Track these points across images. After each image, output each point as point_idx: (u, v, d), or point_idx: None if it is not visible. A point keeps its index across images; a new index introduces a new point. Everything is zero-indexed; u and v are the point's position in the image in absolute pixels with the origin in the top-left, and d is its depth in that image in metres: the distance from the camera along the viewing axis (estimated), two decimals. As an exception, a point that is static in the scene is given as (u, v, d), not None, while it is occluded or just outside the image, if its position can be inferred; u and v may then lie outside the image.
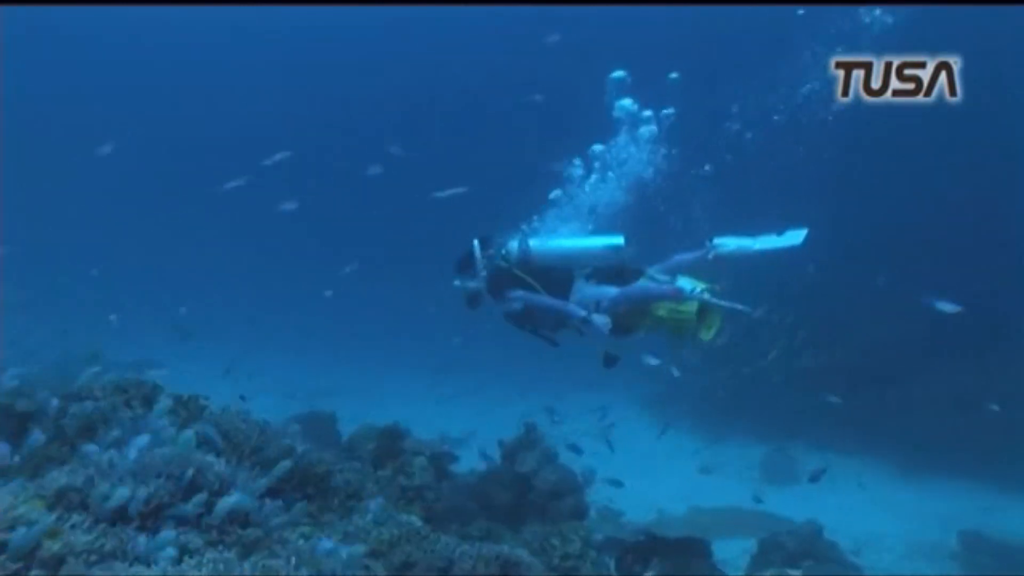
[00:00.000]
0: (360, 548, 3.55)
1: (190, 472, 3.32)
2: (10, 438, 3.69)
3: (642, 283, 5.66)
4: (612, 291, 5.71)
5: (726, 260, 5.69)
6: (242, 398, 4.66)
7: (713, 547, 6.75)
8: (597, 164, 6.58)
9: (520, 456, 7.54)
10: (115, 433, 3.53)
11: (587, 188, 6.50)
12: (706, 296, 5.40)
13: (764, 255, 5.64)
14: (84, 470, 3.15)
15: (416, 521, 4.41)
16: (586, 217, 6.35)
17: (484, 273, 6.04)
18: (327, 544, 3.37)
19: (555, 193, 6.48)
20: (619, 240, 5.70)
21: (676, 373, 7.36)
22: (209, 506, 3.25)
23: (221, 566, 2.86)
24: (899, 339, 12.38)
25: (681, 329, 5.51)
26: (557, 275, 5.87)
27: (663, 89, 7.15)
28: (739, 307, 5.33)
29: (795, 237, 5.59)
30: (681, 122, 6.58)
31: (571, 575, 5.63)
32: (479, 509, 7.11)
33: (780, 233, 5.65)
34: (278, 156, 10.64)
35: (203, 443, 3.79)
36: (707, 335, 5.50)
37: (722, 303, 5.39)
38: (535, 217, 6.35)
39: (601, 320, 5.53)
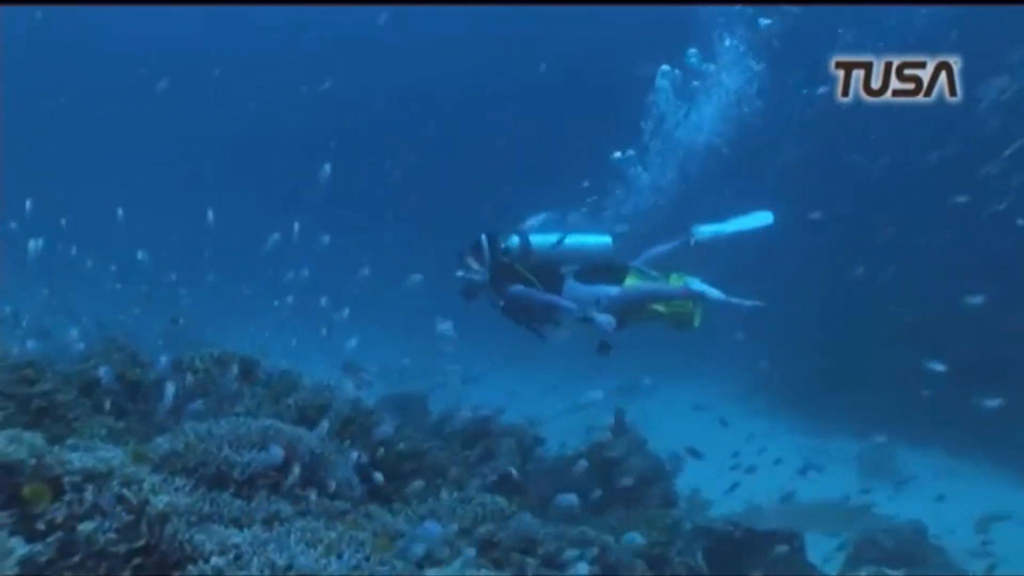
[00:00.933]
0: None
1: (283, 443, 3.46)
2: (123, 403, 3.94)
3: (645, 284, 5.91)
4: (613, 290, 5.87)
5: (706, 246, 6.00)
6: (358, 387, 4.85)
7: (805, 542, 6.54)
8: (696, 83, 6.65)
9: (609, 442, 7.49)
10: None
11: (681, 118, 6.53)
12: (719, 295, 5.70)
13: (738, 236, 6.01)
14: (184, 437, 3.32)
15: (501, 501, 4.47)
16: (681, 157, 6.42)
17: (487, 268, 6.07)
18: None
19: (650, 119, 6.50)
20: (609, 239, 6.00)
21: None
22: (300, 477, 3.37)
23: (309, 534, 2.97)
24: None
25: (680, 320, 5.84)
26: (550, 271, 5.99)
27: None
28: (748, 303, 5.66)
29: (764, 218, 6.02)
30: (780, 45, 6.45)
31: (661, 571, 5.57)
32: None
33: (748, 215, 6.06)
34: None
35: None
36: (697, 322, 5.83)
37: (740, 301, 5.69)
38: (632, 151, 6.47)
39: (605, 320, 5.64)
